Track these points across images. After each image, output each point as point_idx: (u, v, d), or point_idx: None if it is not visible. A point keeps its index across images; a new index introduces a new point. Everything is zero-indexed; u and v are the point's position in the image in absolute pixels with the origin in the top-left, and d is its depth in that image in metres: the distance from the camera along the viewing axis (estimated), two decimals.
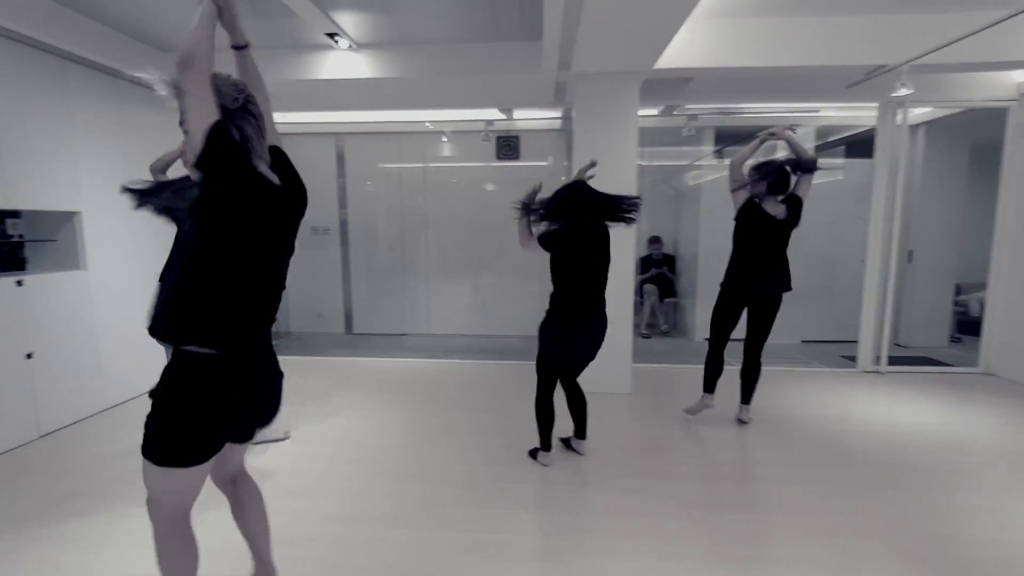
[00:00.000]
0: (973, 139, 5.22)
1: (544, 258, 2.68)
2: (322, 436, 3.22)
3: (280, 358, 5.26)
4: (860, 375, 4.54)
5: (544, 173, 5.90)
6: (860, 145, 5.85)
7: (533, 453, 2.88)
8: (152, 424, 1.31)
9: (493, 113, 5.22)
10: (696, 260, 5.86)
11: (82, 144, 3.50)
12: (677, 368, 4.71)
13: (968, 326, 5.83)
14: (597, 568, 1.99)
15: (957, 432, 3.29)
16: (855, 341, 4.72)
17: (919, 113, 5.04)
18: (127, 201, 2.34)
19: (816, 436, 3.21)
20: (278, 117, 6.08)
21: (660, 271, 6.19)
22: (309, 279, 6.17)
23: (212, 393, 1.30)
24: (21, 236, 3.60)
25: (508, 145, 5.68)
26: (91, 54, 3.37)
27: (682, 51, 3.64)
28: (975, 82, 4.32)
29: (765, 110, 5.11)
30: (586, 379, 3.99)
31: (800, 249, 5.83)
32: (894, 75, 3.75)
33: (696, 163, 6.43)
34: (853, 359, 4.75)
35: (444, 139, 5.97)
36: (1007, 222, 4.42)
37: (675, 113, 5.15)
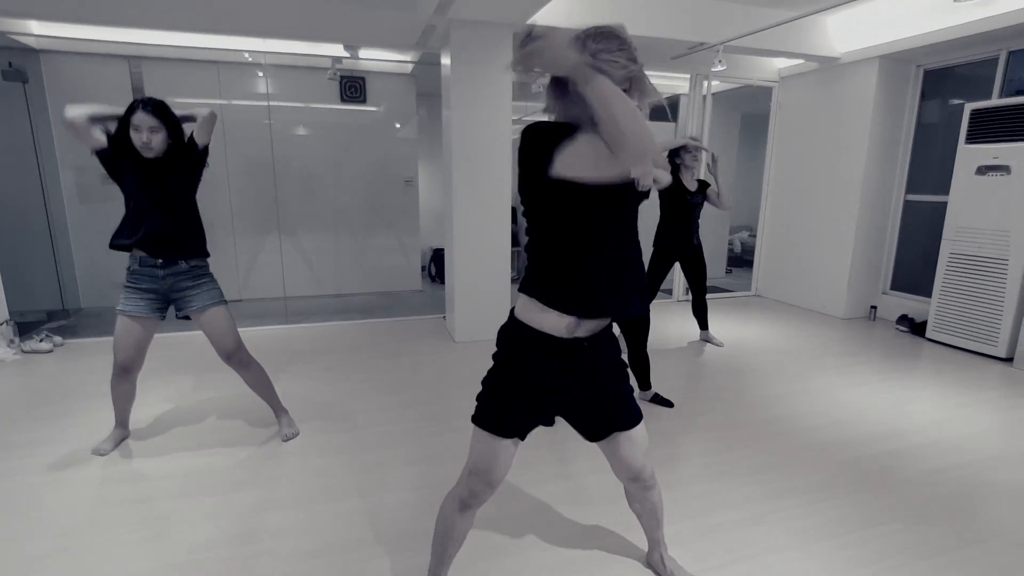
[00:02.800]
0: (743, 110, 6.50)
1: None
2: (234, 423, 2.83)
3: (77, 341, 4.45)
4: (675, 304, 5.53)
5: (382, 118, 5.64)
6: (658, 110, 6.81)
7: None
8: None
9: (336, 50, 4.76)
10: None
11: None
12: None
13: (734, 260, 7.43)
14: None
15: (746, 339, 4.31)
16: None
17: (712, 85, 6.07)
18: None
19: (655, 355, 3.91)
20: (56, 29, 4.67)
21: None
22: (102, 242, 4.99)
23: None
24: None
25: (354, 87, 5.26)
26: None
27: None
28: (749, 64, 5.36)
29: None
30: (469, 329, 4.16)
31: None
32: (709, 53, 4.49)
33: (525, 118, 6.78)
34: (669, 292, 5.73)
35: (260, 74, 5.25)
36: (772, 177, 5.69)
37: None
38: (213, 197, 5.27)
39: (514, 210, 6.88)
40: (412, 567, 1.72)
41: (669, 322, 4.79)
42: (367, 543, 1.85)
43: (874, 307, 5.01)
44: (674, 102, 5.93)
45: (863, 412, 2.99)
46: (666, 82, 5.87)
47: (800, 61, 5.08)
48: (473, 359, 3.75)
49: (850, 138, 4.79)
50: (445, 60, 3.97)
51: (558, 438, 2.58)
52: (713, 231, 6.67)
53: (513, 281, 6.18)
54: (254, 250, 5.49)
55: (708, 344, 4.20)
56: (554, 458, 2.43)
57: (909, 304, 4.77)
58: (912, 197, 4.83)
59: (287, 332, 4.43)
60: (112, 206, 4.89)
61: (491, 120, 3.94)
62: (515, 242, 6.64)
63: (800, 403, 3.11)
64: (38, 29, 4.35)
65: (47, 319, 4.53)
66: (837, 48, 4.74)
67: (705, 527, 1.97)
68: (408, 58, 5.22)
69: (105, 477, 2.25)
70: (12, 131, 4.55)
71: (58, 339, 3.95)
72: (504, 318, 1.35)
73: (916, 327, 4.49)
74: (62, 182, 4.83)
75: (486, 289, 4.18)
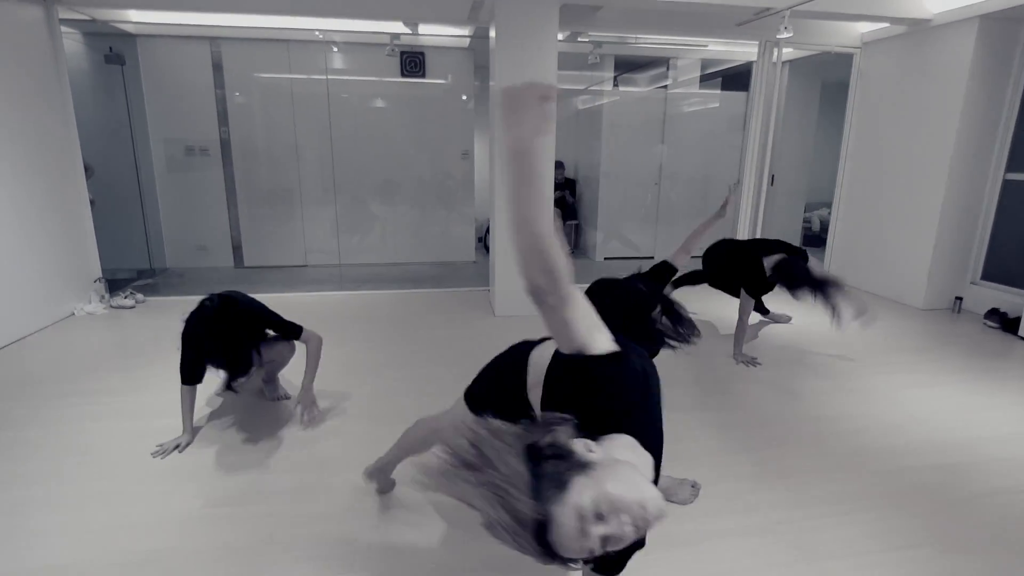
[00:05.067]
0: (823, 78, 5.99)
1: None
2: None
3: (157, 299, 4.74)
4: None
5: (441, 92, 5.73)
6: (735, 79, 6.41)
7: None
8: None
9: (397, 26, 4.86)
10: (597, 183, 6.18)
11: None
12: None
13: (811, 239, 6.96)
14: None
15: (809, 327, 4.01)
16: None
17: (785, 53, 5.62)
18: None
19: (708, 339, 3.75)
20: (151, 16, 5.08)
21: (561, 195, 6.45)
22: (187, 208, 5.52)
23: None
24: None
25: (413, 62, 5.37)
26: None
27: None
28: (827, 29, 4.88)
29: (660, 41, 5.38)
30: (508, 303, 4.20)
31: (679, 172, 6.34)
32: (777, 18, 4.16)
33: (591, 88, 6.61)
34: None
35: (335, 49, 5.47)
36: (850, 151, 5.22)
37: (579, 40, 5.21)
38: (283, 165, 5.64)
39: (571, 181, 6.74)
40: (410, 541, 1.76)
41: (728, 301, 4.54)
42: (370, 513, 1.90)
43: (959, 298, 4.52)
44: (744, 70, 5.56)
45: (923, 417, 2.67)
46: (733, 49, 5.53)
47: (885, 25, 4.58)
48: (509, 335, 3.76)
49: (940, 109, 4.29)
50: (492, 34, 3.95)
51: None
52: (786, 208, 6.27)
53: None
54: (318, 217, 5.83)
55: (771, 324, 4.04)
56: None
57: (1002, 297, 4.27)
58: (1013, 176, 4.28)
59: (341, 298, 4.68)
60: (195, 176, 5.42)
61: None
62: (570, 215, 6.54)
63: (851, 402, 2.84)
64: (136, 17, 4.83)
65: (136, 277, 5.08)
66: (929, 8, 4.23)
67: (701, 533, 1.80)
68: (466, 32, 5.24)
69: (147, 429, 2.40)
70: (112, 108, 5.07)
71: (140, 296, 4.41)
72: None
73: (1008, 323, 4.02)
74: (152, 154, 5.34)
75: None
